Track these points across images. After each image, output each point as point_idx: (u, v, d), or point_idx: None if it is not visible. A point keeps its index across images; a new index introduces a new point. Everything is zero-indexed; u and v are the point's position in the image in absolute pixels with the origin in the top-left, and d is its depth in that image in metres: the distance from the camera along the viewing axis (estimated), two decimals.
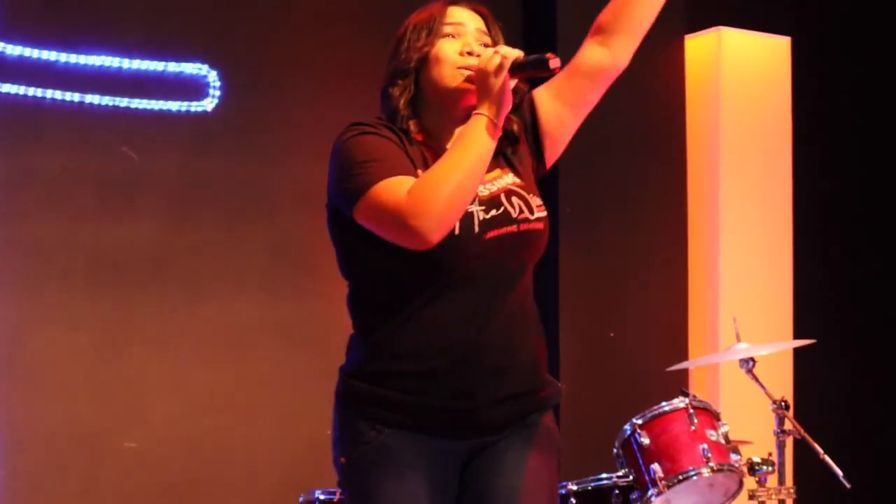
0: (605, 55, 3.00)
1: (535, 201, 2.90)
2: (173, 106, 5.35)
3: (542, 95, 3.04)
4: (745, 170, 6.30)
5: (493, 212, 2.82)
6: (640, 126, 6.16)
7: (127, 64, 5.32)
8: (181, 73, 5.38)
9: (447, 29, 2.90)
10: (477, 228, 2.79)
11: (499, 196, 2.85)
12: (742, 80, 6.31)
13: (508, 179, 2.91)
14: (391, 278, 2.80)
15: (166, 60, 5.35)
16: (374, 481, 2.80)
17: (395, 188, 2.70)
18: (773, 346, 5.04)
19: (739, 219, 6.27)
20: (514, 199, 2.86)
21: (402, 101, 2.90)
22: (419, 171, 2.78)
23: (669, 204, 6.23)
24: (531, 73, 2.84)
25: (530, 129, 3.03)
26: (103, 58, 5.28)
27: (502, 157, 2.94)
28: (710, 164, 6.27)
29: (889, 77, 7.16)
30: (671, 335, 6.14)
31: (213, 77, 5.41)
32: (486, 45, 2.88)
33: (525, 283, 2.91)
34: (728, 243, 6.21)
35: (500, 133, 2.78)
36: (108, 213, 5.32)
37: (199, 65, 5.40)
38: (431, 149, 2.88)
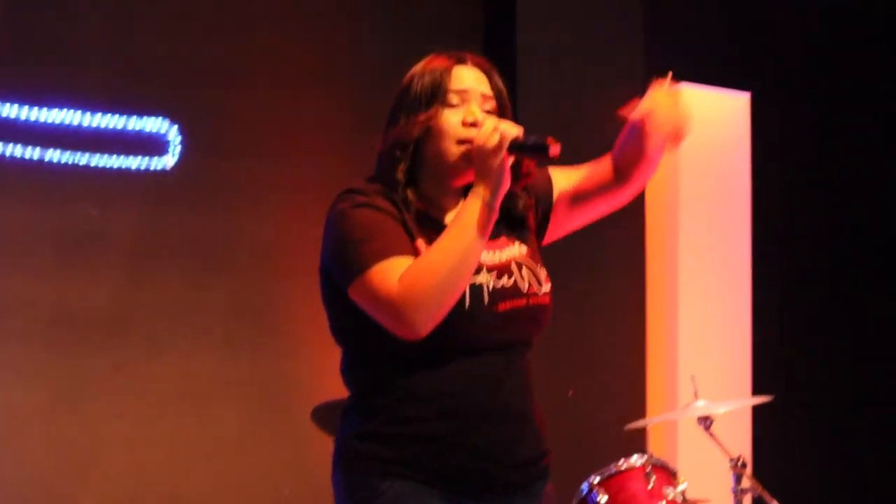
0: (618, 186, 3.16)
1: (542, 273, 2.92)
2: (134, 163, 5.36)
3: (560, 181, 3.09)
4: (703, 227, 6.34)
5: (504, 281, 2.82)
6: None
7: (87, 120, 5.31)
8: (142, 129, 5.38)
9: (452, 98, 2.86)
10: (487, 300, 2.78)
11: (508, 265, 2.85)
12: (702, 137, 6.25)
13: (515, 250, 2.91)
14: (395, 350, 2.75)
15: (127, 116, 5.36)
16: None
17: (389, 275, 2.68)
18: (731, 403, 5.04)
19: (698, 276, 6.29)
20: (523, 270, 2.87)
21: (400, 172, 2.85)
22: (419, 241, 2.77)
23: (628, 262, 6.26)
24: (530, 156, 2.83)
25: (542, 204, 3.05)
26: (64, 113, 5.28)
27: (507, 226, 2.93)
28: (669, 220, 6.31)
29: (849, 132, 7.22)
30: (630, 393, 6.15)
31: (173, 133, 5.42)
32: (489, 111, 2.87)
33: (530, 351, 2.91)
34: (686, 301, 6.23)
35: (496, 214, 2.74)
36: (68, 269, 5.31)
37: (159, 121, 5.41)
38: (431, 216, 2.87)
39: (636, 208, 6.31)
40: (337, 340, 2.94)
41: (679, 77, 3.02)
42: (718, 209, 6.41)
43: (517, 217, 2.96)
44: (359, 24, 5.94)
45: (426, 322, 2.66)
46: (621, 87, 6.22)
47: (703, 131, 6.33)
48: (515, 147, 2.76)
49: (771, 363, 6.53)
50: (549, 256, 5.98)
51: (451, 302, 2.68)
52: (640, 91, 3.17)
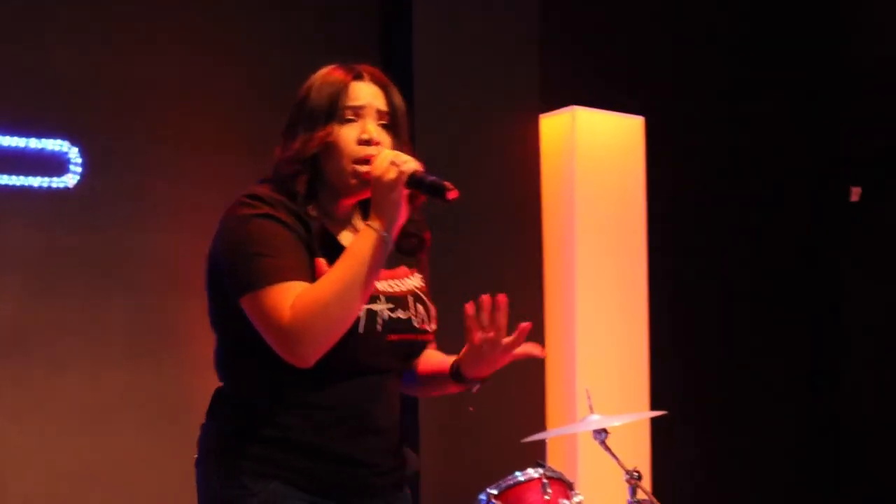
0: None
1: (433, 310, 3.00)
2: (34, 182, 5.34)
3: None
4: (600, 244, 6.43)
5: (399, 314, 2.87)
6: (496, 203, 6.26)
7: None
8: (42, 149, 5.35)
9: (348, 114, 2.88)
10: (380, 328, 2.83)
11: (405, 298, 2.92)
12: (596, 159, 6.45)
13: (414, 283, 2.99)
14: (279, 362, 2.78)
15: (27, 137, 5.33)
16: None
17: (282, 299, 2.71)
18: (625, 417, 5.12)
19: (595, 293, 6.37)
20: (419, 305, 2.94)
21: (301, 184, 2.87)
22: (319, 261, 2.79)
23: (525, 279, 6.31)
24: (426, 194, 2.82)
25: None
26: None
27: (405, 254, 3.00)
28: (566, 238, 6.38)
29: (737, 153, 7.44)
30: (529, 407, 6.19)
31: (74, 153, 5.39)
32: (384, 125, 2.90)
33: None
34: (584, 316, 6.29)
35: (391, 247, 2.78)
36: None
37: (60, 141, 5.38)
38: (329, 231, 2.90)
39: (534, 225, 6.42)
40: (214, 329, 2.95)
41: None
42: (614, 226, 6.51)
43: (415, 246, 3.02)
44: (256, 41, 5.96)
45: (313, 353, 2.72)
46: (517, 110, 6.42)
47: (599, 152, 6.56)
48: (413, 183, 2.78)
49: (668, 376, 6.64)
50: (449, 272, 6.06)
51: (339, 333, 2.73)
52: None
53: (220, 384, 2.98)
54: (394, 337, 2.86)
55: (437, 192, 2.78)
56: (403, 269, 2.99)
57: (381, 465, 2.90)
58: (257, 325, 2.75)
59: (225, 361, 2.95)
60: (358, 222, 2.97)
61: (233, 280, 2.79)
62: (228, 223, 2.84)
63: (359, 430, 2.85)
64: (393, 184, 2.75)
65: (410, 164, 2.78)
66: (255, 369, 2.86)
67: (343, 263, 2.75)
